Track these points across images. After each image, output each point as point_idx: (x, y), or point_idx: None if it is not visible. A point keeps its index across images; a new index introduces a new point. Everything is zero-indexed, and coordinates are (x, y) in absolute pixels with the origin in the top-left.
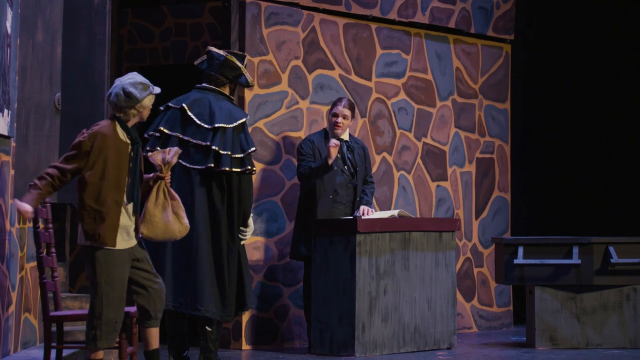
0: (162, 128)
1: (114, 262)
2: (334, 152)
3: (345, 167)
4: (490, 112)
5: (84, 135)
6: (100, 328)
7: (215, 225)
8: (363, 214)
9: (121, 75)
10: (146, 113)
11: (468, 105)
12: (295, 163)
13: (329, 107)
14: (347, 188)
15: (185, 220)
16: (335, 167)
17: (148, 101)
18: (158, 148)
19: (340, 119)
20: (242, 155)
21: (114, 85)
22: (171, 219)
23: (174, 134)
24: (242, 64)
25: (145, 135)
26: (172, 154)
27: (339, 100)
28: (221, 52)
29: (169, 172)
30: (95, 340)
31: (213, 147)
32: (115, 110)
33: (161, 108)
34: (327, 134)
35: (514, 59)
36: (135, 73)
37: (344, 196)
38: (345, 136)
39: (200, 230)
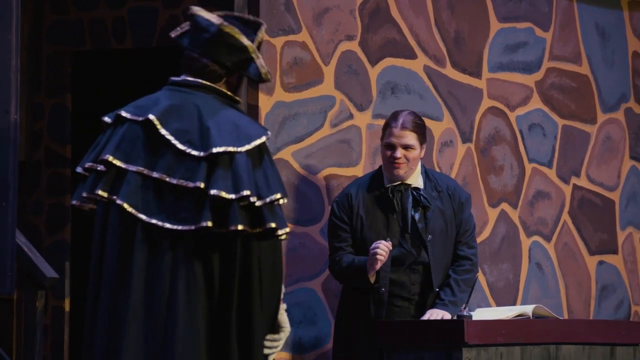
0: (109, 157)
1: None
2: (375, 263)
3: (407, 236)
4: None
5: None
6: None
7: (219, 345)
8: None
9: (41, 69)
10: None
11: None
12: None
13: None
14: (409, 272)
15: None
16: (388, 239)
17: None
18: (100, 193)
19: (399, 152)
20: (260, 202)
21: None
22: None
23: (133, 167)
24: (252, 40)
25: (78, 170)
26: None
27: (394, 116)
28: (212, 17)
29: None
30: None
31: (212, 192)
32: None
33: (106, 119)
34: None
35: None
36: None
37: (406, 286)
38: (415, 180)
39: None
